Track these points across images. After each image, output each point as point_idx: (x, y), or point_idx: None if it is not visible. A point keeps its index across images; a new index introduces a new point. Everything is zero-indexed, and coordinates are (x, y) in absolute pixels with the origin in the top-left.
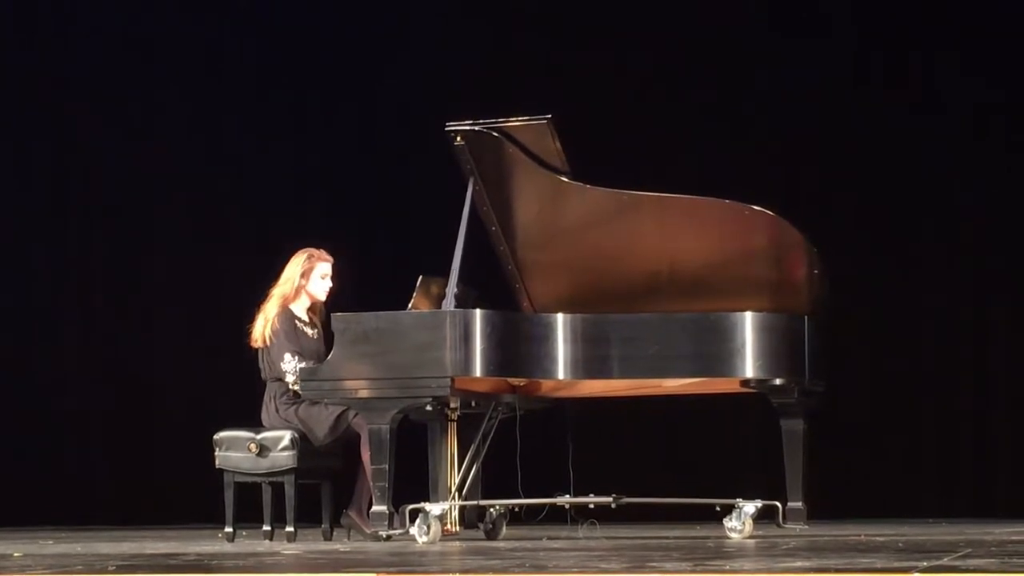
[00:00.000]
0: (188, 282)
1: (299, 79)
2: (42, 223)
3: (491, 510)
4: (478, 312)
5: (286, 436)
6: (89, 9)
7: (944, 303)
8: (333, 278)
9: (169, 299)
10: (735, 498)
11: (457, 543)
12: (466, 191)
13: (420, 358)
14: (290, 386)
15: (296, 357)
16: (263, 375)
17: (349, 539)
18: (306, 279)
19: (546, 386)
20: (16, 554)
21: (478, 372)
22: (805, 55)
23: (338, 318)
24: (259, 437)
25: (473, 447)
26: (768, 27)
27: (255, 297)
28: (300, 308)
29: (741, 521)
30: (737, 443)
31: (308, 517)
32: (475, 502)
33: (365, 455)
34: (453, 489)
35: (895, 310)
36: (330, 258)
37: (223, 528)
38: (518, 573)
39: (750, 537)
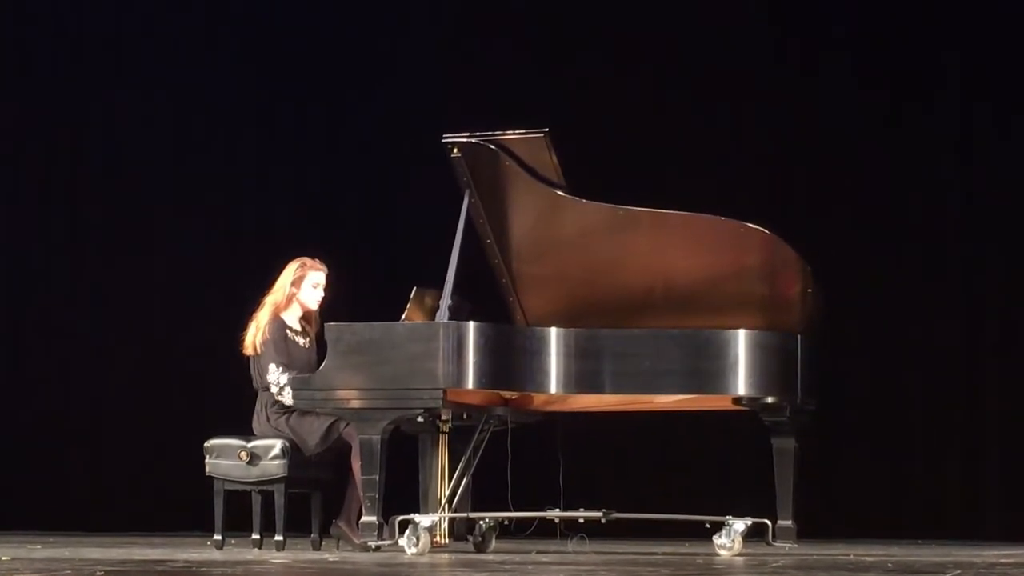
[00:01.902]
0: (181, 289)
1: (296, 88)
2: (37, 224)
3: (481, 523)
4: (471, 324)
5: (277, 445)
6: (87, 7)
7: (934, 323)
8: (327, 288)
9: (162, 305)
10: (725, 515)
11: (446, 555)
12: (462, 203)
13: (413, 369)
14: (274, 397)
15: (280, 368)
16: (254, 383)
17: (338, 549)
18: (297, 287)
19: (538, 400)
20: (4, 558)
21: (470, 384)
22: (803, 61)
23: (331, 328)
24: (250, 445)
25: (464, 459)
26: (766, 37)
27: (248, 305)
28: (292, 317)
29: (731, 538)
30: (728, 460)
31: (297, 526)
32: (465, 514)
33: (356, 465)
34: (443, 501)
35: (885, 330)
36: (324, 267)
37: (212, 536)
38: None
39: (739, 555)
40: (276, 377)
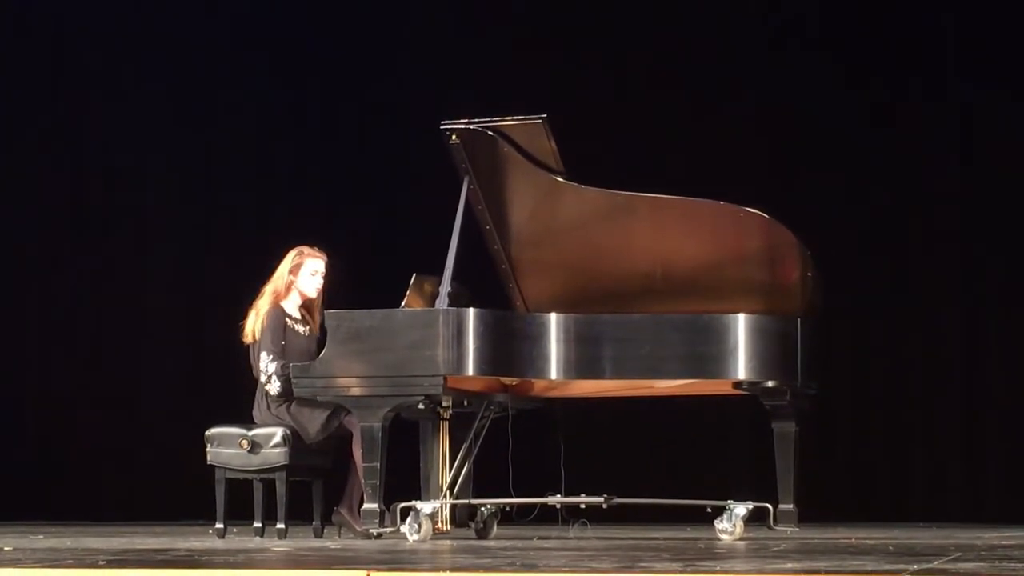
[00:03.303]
0: (181, 277)
1: (297, 77)
2: (35, 218)
3: (482, 509)
4: (471, 311)
5: (278, 433)
6: (85, 6)
7: (935, 306)
8: (325, 276)
9: (162, 294)
10: (726, 500)
11: (448, 542)
12: (461, 190)
13: (413, 356)
14: (263, 385)
15: (271, 356)
16: (254, 372)
17: (340, 536)
18: (295, 275)
19: (538, 386)
20: (6, 548)
21: (470, 371)
22: (801, 57)
23: (331, 315)
24: (251, 434)
25: (465, 446)
26: (763, 27)
27: (249, 293)
28: (292, 305)
29: (732, 523)
30: (729, 445)
31: (299, 514)
32: (466, 501)
33: (357, 453)
34: (444, 488)
35: (885, 313)
36: (322, 255)
37: (214, 524)
38: (508, 571)
39: (741, 539)
40: (265, 365)
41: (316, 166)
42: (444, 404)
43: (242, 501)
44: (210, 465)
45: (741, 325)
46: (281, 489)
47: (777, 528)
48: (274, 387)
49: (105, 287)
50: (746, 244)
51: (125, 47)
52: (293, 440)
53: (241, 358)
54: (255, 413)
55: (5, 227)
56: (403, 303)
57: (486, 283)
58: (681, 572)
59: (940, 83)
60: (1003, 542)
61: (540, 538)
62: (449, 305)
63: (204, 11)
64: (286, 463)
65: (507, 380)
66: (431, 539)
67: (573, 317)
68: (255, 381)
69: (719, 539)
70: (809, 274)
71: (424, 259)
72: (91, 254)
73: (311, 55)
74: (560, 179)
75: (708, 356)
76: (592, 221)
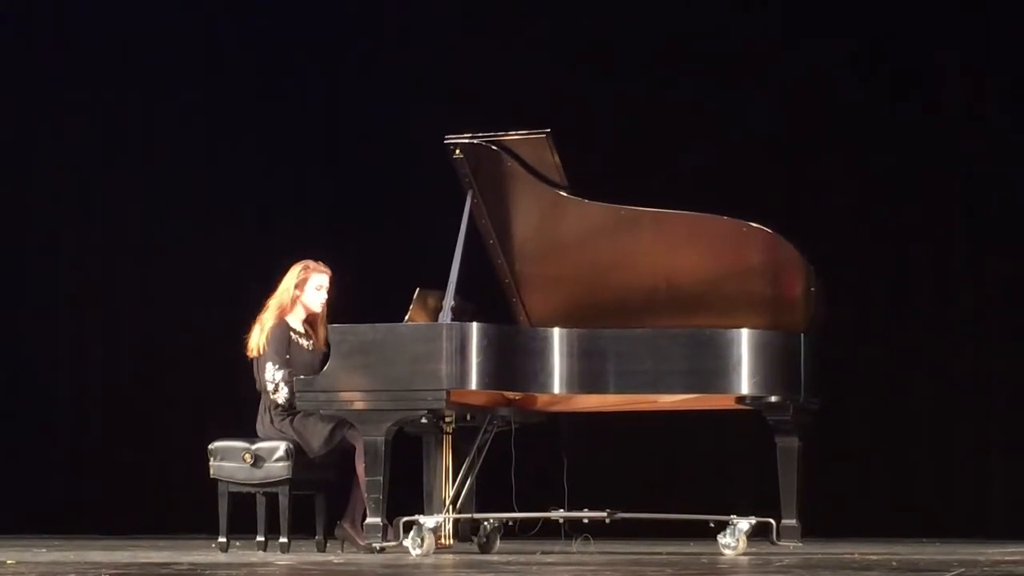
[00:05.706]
0: (184, 291)
1: (299, 88)
2: (40, 226)
3: (485, 524)
4: (475, 325)
5: (281, 447)
6: (86, 9)
7: (940, 320)
8: (330, 291)
9: (165, 307)
10: (729, 515)
11: (450, 556)
12: (464, 204)
13: (416, 370)
14: (270, 396)
15: (276, 366)
16: (257, 386)
17: (342, 551)
18: (300, 289)
19: (541, 400)
20: (9, 561)
21: (474, 385)
22: (805, 64)
23: (335, 329)
24: (254, 447)
25: (468, 460)
26: (767, 38)
27: (252, 307)
28: (296, 319)
29: (735, 538)
30: (731, 460)
31: (302, 528)
32: (469, 515)
33: (360, 467)
34: (447, 502)
35: (889, 327)
36: (327, 270)
37: (217, 538)
38: None
39: (744, 554)
40: (271, 374)
41: (320, 178)
42: (447, 418)
43: (245, 515)
44: (213, 479)
45: (744, 340)
46: (284, 503)
47: (780, 543)
48: (282, 395)
49: (106, 300)
50: (749, 259)
51: (126, 48)
52: (296, 454)
53: (245, 372)
54: (258, 427)
55: (9, 232)
56: (407, 317)
57: (490, 297)
58: None
59: (943, 78)
60: (1007, 558)
61: (543, 553)
62: (452, 319)
63: (205, 13)
64: (289, 477)
65: (510, 394)
66: (434, 554)
67: (576, 332)
68: (259, 395)
69: (722, 554)
70: (812, 289)
71: (428, 273)
72: (92, 265)
73: (312, 61)
74: (564, 193)
75: (711, 371)
76: (596, 235)
